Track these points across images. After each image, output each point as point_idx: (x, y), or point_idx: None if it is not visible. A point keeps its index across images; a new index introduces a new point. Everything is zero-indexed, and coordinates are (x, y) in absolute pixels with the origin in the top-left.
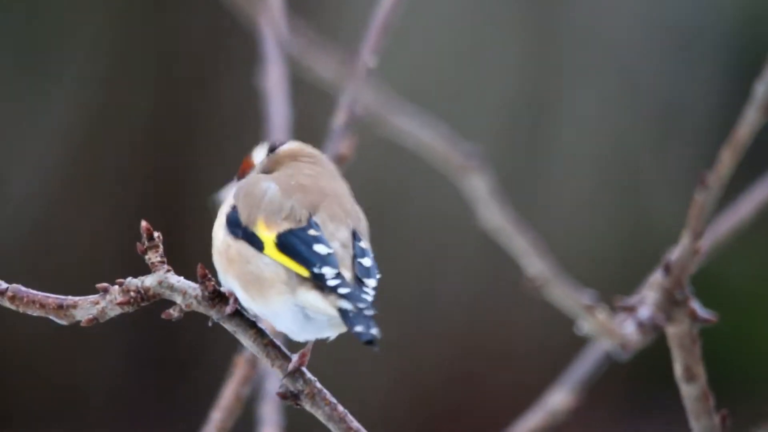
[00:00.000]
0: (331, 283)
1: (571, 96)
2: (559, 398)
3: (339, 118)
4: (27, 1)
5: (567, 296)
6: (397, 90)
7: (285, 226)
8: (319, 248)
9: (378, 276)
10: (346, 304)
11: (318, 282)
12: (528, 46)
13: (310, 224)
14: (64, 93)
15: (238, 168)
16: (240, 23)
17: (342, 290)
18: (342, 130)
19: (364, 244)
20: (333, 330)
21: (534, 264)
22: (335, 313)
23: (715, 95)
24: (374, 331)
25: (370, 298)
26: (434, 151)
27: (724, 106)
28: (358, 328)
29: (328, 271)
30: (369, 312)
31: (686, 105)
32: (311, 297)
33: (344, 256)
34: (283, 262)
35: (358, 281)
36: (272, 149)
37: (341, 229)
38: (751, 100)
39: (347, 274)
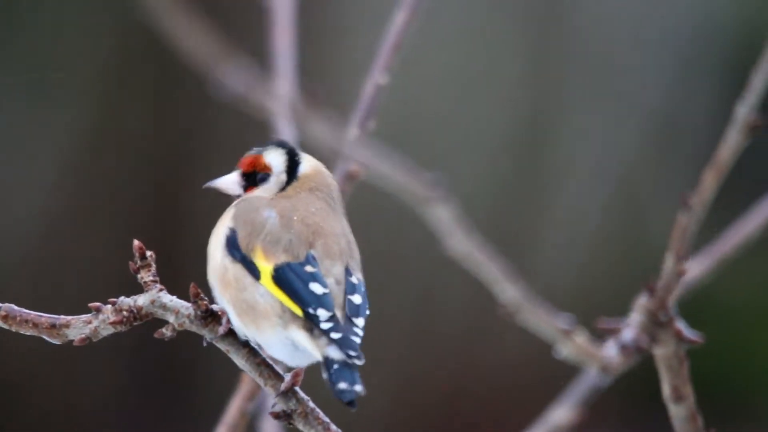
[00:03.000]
0: (324, 326)
1: (568, 117)
2: (561, 414)
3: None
4: (27, 25)
5: (542, 321)
6: (396, 111)
7: (283, 258)
8: (314, 287)
9: (368, 313)
10: (334, 353)
11: (310, 323)
12: (528, 67)
13: (308, 260)
14: (63, 115)
15: (241, 160)
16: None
17: (334, 335)
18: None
19: (356, 278)
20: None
21: (506, 290)
22: (320, 359)
23: (712, 115)
24: (358, 388)
25: (359, 339)
26: (399, 183)
27: (721, 126)
28: (342, 386)
29: (322, 314)
30: (357, 361)
31: (684, 126)
32: (301, 336)
33: (338, 294)
34: (278, 296)
35: (348, 320)
36: (291, 156)
37: (336, 265)
38: (732, 121)
39: (339, 313)
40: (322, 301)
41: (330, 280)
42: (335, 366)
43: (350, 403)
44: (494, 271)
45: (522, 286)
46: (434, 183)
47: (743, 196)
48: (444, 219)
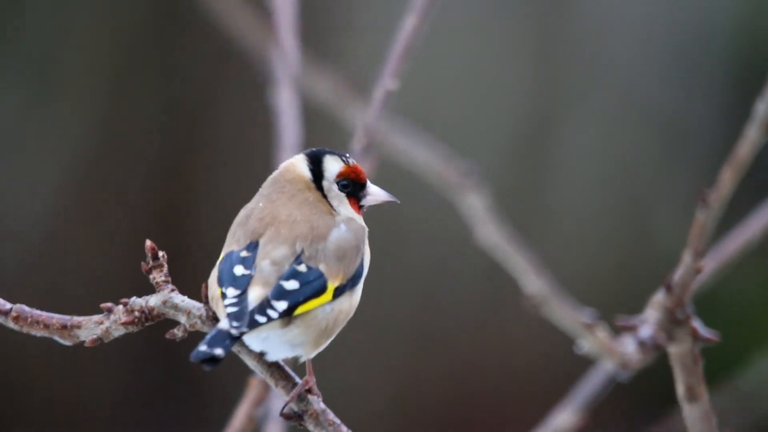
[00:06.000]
0: (227, 302)
1: (573, 117)
2: (564, 418)
3: (357, 141)
4: (32, 26)
5: (566, 314)
6: (402, 112)
7: (228, 249)
8: (237, 269)
9: (301, 299)
10: (223, 324)
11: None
12: (531, 68)
13: (248, 246)
14: (69, 114)
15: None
16: (247, 46)
17: (230, 309)
18: (361, 152)
19: (304, 266)
20: (295, 349)
21: (532, 282)
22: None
23: (716, 115)
24: (218, 351)
25: (263, 319)
26: (432, 169)
27: (726, 126)
28: (201, 347)
29: (230, 292)
30: (233, 331)
31: (688, 125)
32: (221, 313)
33: (270, 275)
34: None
35: (267, 301)
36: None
37: (280, 248)
38: (752, 118)
39: (259, 293)
40: (237, 281)
41: (264, 262)
42: (212, 332)
43: (204, 362)
44: (521, 263)
45: (548, 278)
46: (467, 171)
47: (747, 196)
48: (476, 208)
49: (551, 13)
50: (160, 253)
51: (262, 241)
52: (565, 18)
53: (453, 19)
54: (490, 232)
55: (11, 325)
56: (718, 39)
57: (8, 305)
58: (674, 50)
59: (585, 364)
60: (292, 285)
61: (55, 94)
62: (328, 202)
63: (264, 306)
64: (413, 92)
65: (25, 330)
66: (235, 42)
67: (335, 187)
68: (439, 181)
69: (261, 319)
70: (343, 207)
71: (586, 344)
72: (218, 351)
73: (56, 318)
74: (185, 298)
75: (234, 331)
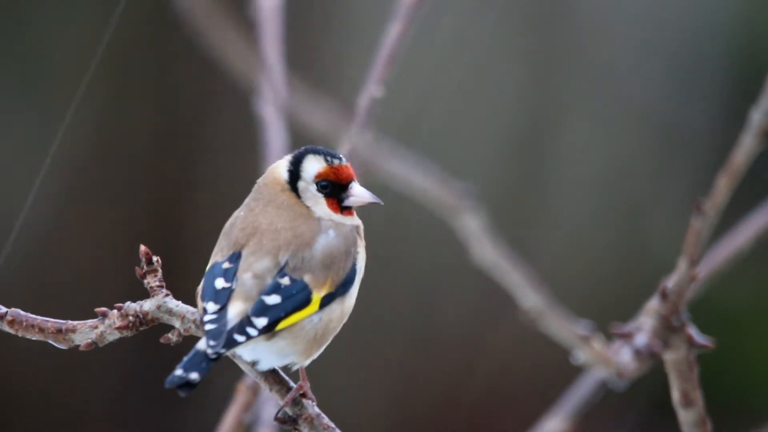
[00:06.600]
0: (206, 318)
1: (569, 123)
2: (554, 425)
3: (344, 148)
4: (27, 32)
5: (562, 327)
6: (396, 119)
7: (213, 260)
8: (218, 282)
9: (282, 314)
10: (201, 344)
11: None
12: (527, 74)
13: (230, 257)
14: (65, 120)
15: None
16: (234, 71)
17: (208, 326)
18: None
19: (288, 279)
20: (286, 358)
21: (528, 297)
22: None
23: (713, 122)
24: (193, 375)
25: (241, 338)
26: (428, 193)
27: (723, 133)
28: (177, 371)
29: (210, 307)
30: (209, 351)
31: (685, 132)
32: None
33: (251, 289)
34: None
35: (247, 318)
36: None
37: (264, 260)
38: (747, 126)
39: (239, 308)
40: (217, 295)
41: (246, 275)
42: (190, 354)
43: (179, 388)
44: (518, 279)
45: (543, 293)
46: (463, 193)
47: (743, 202)
48: (472, 229)
49: (549, 17)
50: (155, 258)
51: (244, 252)
52: (563, 22)
53: (450, 21)
54: (487, 252)
55: (6, 329)
56: (716, 43)
57: (3, 309)
58: (672, 55)
59: (582, 370)
60: (273, 300)
61: (52, 97)
62: (303, 203)
63: (243, 323)
64: (410, 94)
65: (20, 334)
66: (222, 65)
67: (313, 187)
68: (435, 204)
69: (240, 338)
70: (319, 208)
71: (582, 355)
72: (194, 376)
73: (51, 322)
74: (179, 302)
75: (210, 352)
